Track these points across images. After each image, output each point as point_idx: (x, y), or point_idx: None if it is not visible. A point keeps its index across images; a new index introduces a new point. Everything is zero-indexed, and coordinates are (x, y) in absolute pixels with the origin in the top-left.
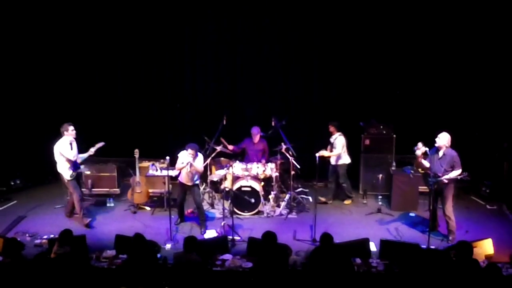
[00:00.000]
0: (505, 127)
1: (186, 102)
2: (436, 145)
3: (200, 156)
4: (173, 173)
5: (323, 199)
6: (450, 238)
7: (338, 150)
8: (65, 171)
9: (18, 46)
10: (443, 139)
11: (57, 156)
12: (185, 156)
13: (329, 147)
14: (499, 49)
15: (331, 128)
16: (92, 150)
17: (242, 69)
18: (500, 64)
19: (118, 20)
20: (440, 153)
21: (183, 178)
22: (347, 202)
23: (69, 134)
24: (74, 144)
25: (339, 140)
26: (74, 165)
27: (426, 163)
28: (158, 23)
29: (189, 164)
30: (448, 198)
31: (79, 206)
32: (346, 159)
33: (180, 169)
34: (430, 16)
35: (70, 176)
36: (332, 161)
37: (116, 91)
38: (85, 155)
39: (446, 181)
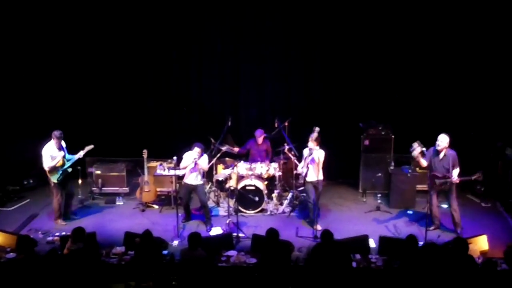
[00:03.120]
0: (500, 127)
1: (192, 105)
2: (438, 148)
3: (205, 156)
4: (180, 172)
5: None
6: (459, 230)
7: (320, 164)
8: (52, 174)
9: (30, 50)
10: (444, 141)
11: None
12: (190, 156)
13: (303, 162)
14: (494, 51)
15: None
16: (81, 154)
17: (244, 72)
18: (495, 65)
19: (127, 26)
20: (441, 155)
21: (187, 178)
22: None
23: (55, 141)
24: (60, 157)
25: (321, 153)
26: (62, 169)
27: (424, 162)
28: (165, 30)
29: (194, 160)
30: (454, 193)
31: (58, 208)
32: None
33: (186, 167)
34: (427, 20)
35: (57, 180)
36: (314, 177)
37: (126, 95)
38: (74, 158)
39: (458, 181)
